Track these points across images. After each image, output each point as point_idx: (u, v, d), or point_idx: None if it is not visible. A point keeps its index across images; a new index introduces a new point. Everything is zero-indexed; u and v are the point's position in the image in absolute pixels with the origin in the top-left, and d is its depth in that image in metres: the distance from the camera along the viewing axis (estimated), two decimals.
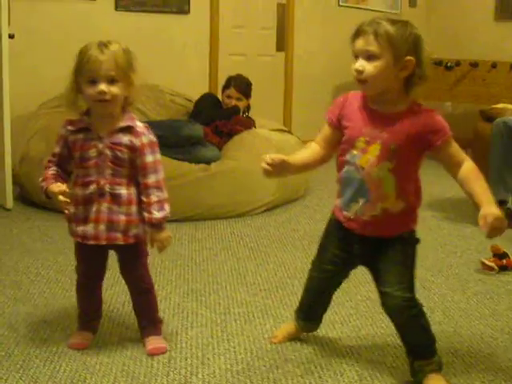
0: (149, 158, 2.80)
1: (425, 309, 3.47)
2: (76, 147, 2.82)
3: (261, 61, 8.16)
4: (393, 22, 2.48)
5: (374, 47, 2.46)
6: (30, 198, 5.41)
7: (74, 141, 2.82)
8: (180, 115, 6.45)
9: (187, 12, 7.36)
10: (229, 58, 7.82)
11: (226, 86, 6.27)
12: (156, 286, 3.10)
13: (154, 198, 2.79)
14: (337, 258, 2.84)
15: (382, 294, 2.75)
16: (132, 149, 2.79)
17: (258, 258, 4.31)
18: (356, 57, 2.53)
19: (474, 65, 7.28)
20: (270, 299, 3.61)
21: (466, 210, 5.56)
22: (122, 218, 2.82)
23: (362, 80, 2.52)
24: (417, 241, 2.79)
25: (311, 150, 2.79)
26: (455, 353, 3.04)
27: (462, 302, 3.66)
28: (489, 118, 5.57)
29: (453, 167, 2.61)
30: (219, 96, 6.44)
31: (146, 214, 2.80)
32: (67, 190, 2.77)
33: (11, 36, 5.24)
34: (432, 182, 6.73)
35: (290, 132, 6.59)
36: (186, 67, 7.37)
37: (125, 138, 2.79)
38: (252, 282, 3.88)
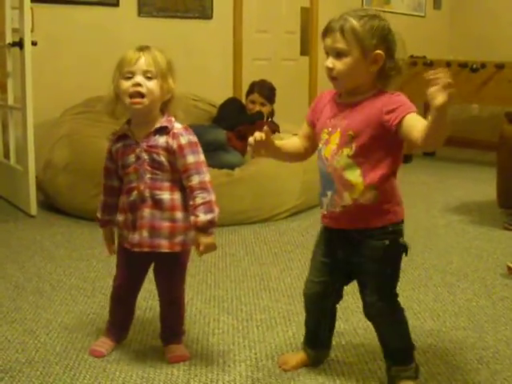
0: (190, 159, 2.72)
1: (450, 314, 3.44)
2: (118, 156, 2.82)
3: (285, 65, 8.14)
4: (360, 16, 2.44)
5: (341, 44, 2.43)
6: (54, 205, 5.42)
7: (116, 150, 2.83)
8: (203, 120, 6.43)
9: (210, 17, 7.36)
10: (252, 62, 7.80)
11: (250, 92, 6.26)
12: None
13: (199, 200, 2.70)
14: (323, 265, 2.77)
15: (364, 302, 2.70)
16: (169, 151, 2.73)
17: (282, 264, 4.29)
18: (327, 54, 2.50)
19: (500, 66, 7.21)
20: (292, 305, 3.58)
21: (492, 213, 5.51)
22: (166, 224, 2.76)
23: (333, 77, 2.50)
24: (401, 246, 2.64)
25: (295, 141, 2.80)
26: (480, 359, 2.98)
27: (488, 307, 3.60)
28: None
29: (416, 132, 2.36)
30: (243, 101, 6.42)
31: (192, 218, 2.71)
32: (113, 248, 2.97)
33: (34, 43, 5.25)
34: (456, 185, 6.71)
35: None
36: (210, 72, 7.36)
37: (161, 140, 2.75)
38: (275, 287, 3.85)
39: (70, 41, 6.42)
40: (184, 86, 6.88)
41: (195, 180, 2.72)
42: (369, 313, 2.70)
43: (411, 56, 8.03)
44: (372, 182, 2.50)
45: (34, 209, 5.30)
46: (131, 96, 2.70)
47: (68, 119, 5.74)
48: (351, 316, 3.42)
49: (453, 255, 4.47)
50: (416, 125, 2.36)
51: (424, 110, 8.33)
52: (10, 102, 5.69)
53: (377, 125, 2.45)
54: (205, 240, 2.72)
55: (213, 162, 5.32)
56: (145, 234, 2.78)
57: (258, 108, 6.15)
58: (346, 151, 2.49)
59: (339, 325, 3.31)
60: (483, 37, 8.66)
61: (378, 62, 2.45)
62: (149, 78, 2.72)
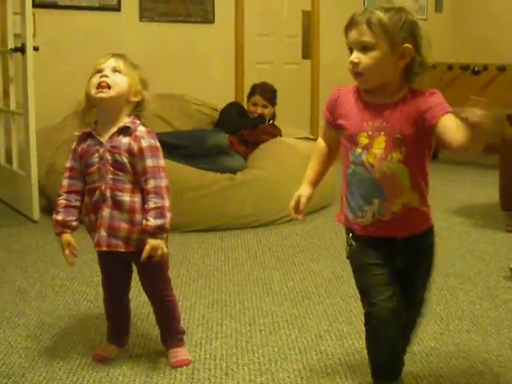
0: (148, 163, 2.74)
1: (453, 317, 3.44)
2: (82, 155, 2.83)
3: (287, 69, 8.15)
4: (386, 9, 2.32)
5: (368, 37, 2.31)
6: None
7: (80, 150, 2.84)
8: (205, 124, 6.44)
9: (212, 21, 7.37)
10: (254, 66, 7.81)
11: (252, 94, 6.26)
12: (181, 297, 3.08)
13: (151, 205, 2.72)
14: (386, 277, 2.49)
15: (412, 300, 2.59)
16: (130, 152, 2.75)
17: (284, 268, 4.29)
18: (350, 49, 2.39)
19: (502, 69, 7.21)
20: (295, 309, 3.58)
21: (495, 216, 5.50)
22: (124, 225, 2.78)
23: (358, 73, 2.36)
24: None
25: (320, 155, 2.70)
26: (484, 362, 2.98)
27: (491, 309, 3.60)
28: None
29: (450, 133, 2.25)
30: (244, 105, 6.43)
31: (143, 221, 2.74)
32: (73, 243, 2.85)
33: (36, 48, 5.26)
34: (459, 187, 6.71)
35: (316, 140, 6.55)
36: (212, 76, 7.37)
37: (124, 141, 2.76)
38: (278, 291, 3.85)
39: (72, 46, 6.44)
40: (186, 90, 6.94)
41: (151, 184, 2.74)
42: (415, 307, 2.64)
43: None
44: (417, 185, 2.45)
45: (36, 214, 5.30)
46: (97, 87, 2.76)
47: (70, 124, 5.72)
48: (354, 319, 3.41)
49: (456, 258, 4.47)
50: (451, 127, 2.24)
51: None
52: (13, 107, 5.71)
53: (419, 125, 2.34)
54: (152, 242, 2.72)
55: (215, 166, 5.35)
56: (103, 233, 2.80)
57: (260, 110, 6.15)
58: (396, 156, 2.38)
59: (342, 328, 3.31)
60: (485, 39, 8.66)
61: (405, 57, 2.32)
62: (116, 72, 2.79)
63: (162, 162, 2.79)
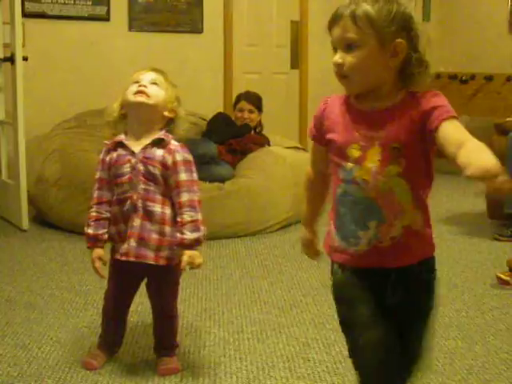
0: (182, 177, 2.76)
1: (439, 324, 3.46)
2: (111, 164, 2.84)
3: (275, 78, 8.17)
4: (374, 0, 1.98)
5: (352, 34, 1.96)
6: (46, 219, 5.44)
7: (110, 159, 2.85)
8: (194, 134, 6.45)
9: (201, 31, 7.40)
10: (243, 76, 7.83)
11: (237, 102, 6.29)
12: None
13: (186, 218, 2.74)
14: (373, 315, 2.12)
15: (405, 349, 2.14)
16: (164, 165, 2.77)
17: (272, 277, 4.30)
18: (335, 49, 2.03)
19: (489, 78, 7.27)
20: (283, 317, 3.60)
21: (481, 224, 5.54)
22: (154, 236, 2.79)
23: (343, 75, 2.02)
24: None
25: (311, 190, 2.33)
26: (470, 369, 3.01)
27: (478, 317, 3.63)
28: (504, 130, 5.55)
29: (451, 147, 1.88)
30: (231, 115, 6.45)
31: (178, 235, 2.75)
32: (104, 258, 2.87)
33: (25, 58, 5.28)
34: (447, 196, 6.73)
35: (305, 150, 6.58)
36: (201, 86, 7.39)
37: (158, 154, 2.78)
38: (266, 300, 3.87)
39: (61, 56, 6.45)
40: None
41: (185, 197, 2.75)
42: (408, 357, 2.16)
43: None
44: (420, 202, 2.07)
45: (25, 223, 5.31)
46: (136, 93, 2.78)
47: (59, 133, 5.76)
48: None
49: (443, 266, 4.48)
50: (453, 137, 1.90)
51: None
52: (1, 116, 5.71)
53: (420, 131, 1.97)
54: (190, 252, 2.74)
55: (204, 175, 5.35)
56: (133, 243, 2.80)
57: (246, 115, 6.15)
58: (394, 169, 2.00)
59: (329, 335, 3.33)
60: (473, 48, 8.70)
61: (399, 54, 1.97)
62: (154, 84, 2.81)
63: (195, 176, 2.81)
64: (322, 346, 3.24)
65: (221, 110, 7.11)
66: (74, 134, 5.70)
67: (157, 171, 2.77)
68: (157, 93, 2.80)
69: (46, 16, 6.38)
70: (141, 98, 2.77)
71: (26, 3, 6.12)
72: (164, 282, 2.92)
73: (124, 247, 2.81)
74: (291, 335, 3.35)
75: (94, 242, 2.87)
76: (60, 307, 3.71)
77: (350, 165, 2.04)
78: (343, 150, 2.06)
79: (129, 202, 2.80)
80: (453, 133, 1.91)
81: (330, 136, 2.11)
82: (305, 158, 5.97)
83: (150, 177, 2.78)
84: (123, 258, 2.82)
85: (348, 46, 1.98)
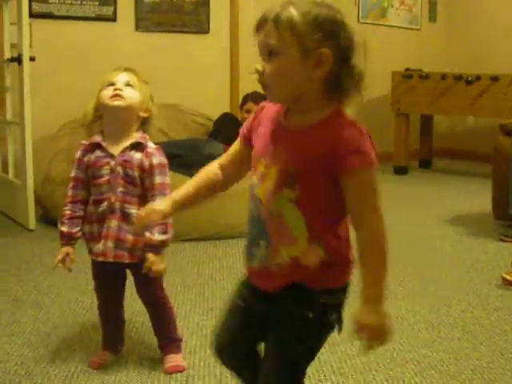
0: (157, 180, 2.81)
1: (444, 325, 3.47)
2: (89, 165, 2.86)
3: None
4: (304, 3, 1.78)
5: (273, 40, 1.77)
6: (53, 219, 5.44)
7: (87, 160, 2.87)
8: (200, 134, 6.48)
9: (207, 31, 7.40)
10: (250, 76, 7.83)
11: (244, 103, 6.29)
12: (176, 305, 3.12)
13: None
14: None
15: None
16: (142, 168, 2.81)
17: None
18: (261, 55, 1.84)
19: (495, 79, 7.25)
20: None
21: (487, 224, 5.54)
22: (130, 237, 2.84)
23: (263, 84, 1.85)
24: (329, 325, 2.04)
25: (205, 172, 2.13)
26: (475, 369, 3.02)
27: (483, 317, 3.63)
28: (509, 131, 5.55)
29: (353, 218, 1.82)
30: (238, 116, 6.46)
31: (147, 234, 2.78)
32: (71, 256, 2.91)
33: (32, 58, 5.29)
34: (452, 196, 6.74)
35: None
36: (207, 86, 7.40)
37: (136, 157, 2.82)
38: None
39: (68, 56, 6.46)
40: (181, 100, 6.98)
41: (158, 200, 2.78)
42: None
43: (407, 69, 8.09)
44: (320, 237, 1.85)
45: (32, 223, 5.33)
46: (112, 96, 2.81)
47: (66, 133, 5.77)
48: (347, 326, 3.44)
49: (448, 266, 4.50)
50: (354, 208, 1.81)
51: (421, 122, 8.40)
52: (9, 116, 5.74)
53: (325, 163, 1.78)
54: (152, 258, 2.78)
55: None
56: (110, 244, 2.85)
57: None
58: (287, 194, 1.83)
59: (334, 336, 3.34)
60: (478, 49, 8.72)
61: (323, 65, 1.77)
62: (129, 86, 2.85)
63: (168, 179, 2.85)
64: (326, 345, 3.21)
65: (227, 110, 7.12)
66: (81, 134, 5.70)
67: (135, 174, 2.82)
68: (132, 95, 2.83)
69: (52, 16, 6.39)
70: (118, 102, 2.80)
71: (33, 4, 6.12)
72: (144, 275, 2.91)
73: (100, 248, 2.87)
74: None
75: (68, 239, 2.90)
76: (67, 307, 3.73)
77: (255, 180, 1.92)
78: (255, 162, 1.94)
79: (106, 203, 2.83)
80: (355, 199, 1.80)
81: (254, 140, 1.99)
82: None
83: (128, 179, 2.82)
84: (100, 259, 2.89)
85: (269, 53, 1.80)
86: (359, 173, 1.76)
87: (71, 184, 2.91)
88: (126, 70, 2.92)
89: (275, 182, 1.84)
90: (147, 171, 2.81)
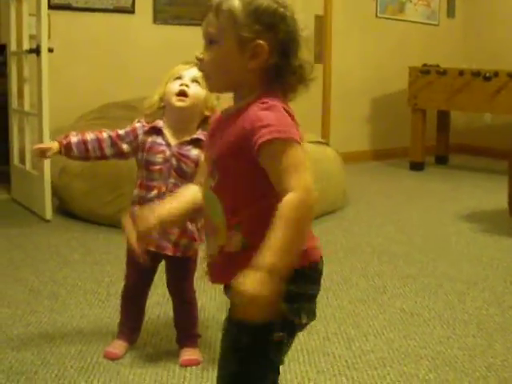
0: None
1: (459, 321, 3.47)
2: (144, 148, 2.87)
3: None
4: None
5: (213, 28, 1.80)
6: (69, 210, 5.48)
7: (143, 141, 2.87)
8: None
9: None
10: None
11: None
12: None
13: None
14: None
15: None
16: (197, 164, 2.81)
17: None
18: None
19: None
20: None
21: (503, 222, 5.52)
22: (176, 230, 2.83)
23: (202, 72, 1.91)
24: (266, 341, 1.82)
25: (191, 195, 2.04)
26: (489, 367, 3.02)
27: (497, 315, 3.63)
28: None
29: (278, 192, 1.67)
30: None
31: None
32: (51, 150, 2.85)
33: (51, 50, 5.31)
34: (468, 193, 6.72)
35: (327, 144, 6.58)
36: None
37: (193, 152, 2.83)
38: None
39: (86, 47, 6.49)
40: None
41: None
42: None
43: (424, 64, 8.07)
44: (238, 223, 1.79)
45: (49, 213, 5.35)
46: (177, 94, 2.79)
47: (83, 125, 5.79)
48: (362, 322, 3.46)
49: (463, 263, 4.49)
50: (277, 174, 1.68)
51: (438, 118, 8.37)
52: (27, 107, 5.76)
53: (237, 147, 1.75)
54: None
55: None
56: (155, 234, 2.82)
57: None
58: (209, 182, 1.84)
59: (349, 331, 3.35)
60: (496, 45, 8.68)
61: (258, 57, 1.75)
62: (196, 83, 2.82)
63: None
64: (342, 340, 3.26)
65: None
66: (98, 125, 5.71)
67: (189, 169, 2.82)
68: (198, 92, 2.81)
69: (71, 8, 6.41)
70: (181, 104, 2.79)
71: None
72: (181, 269, 2.97)
73: None
74: (312, 329, 3.36)
75: (65, 148, 2.87)
76: (83, 297, 3.75)
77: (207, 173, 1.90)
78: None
79: (156, 191, 2.84)
80: (271, 173, 1.70)
81: None
82: (327, 153, 6.03)
83: (181, 173, 2.82)
84: (143, 246, 2.86)
85: (210, 41, 1.82)
86: (269, 145, 1.67)
87: (112, 134, 2.90)
88: (196, 64, 2.90)
89: (206, 173, 1.87)
90: None
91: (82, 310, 3.57)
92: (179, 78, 2.84)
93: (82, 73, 6.43)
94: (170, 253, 2.87)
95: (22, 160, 5.93)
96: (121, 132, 2.90)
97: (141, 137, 2.89)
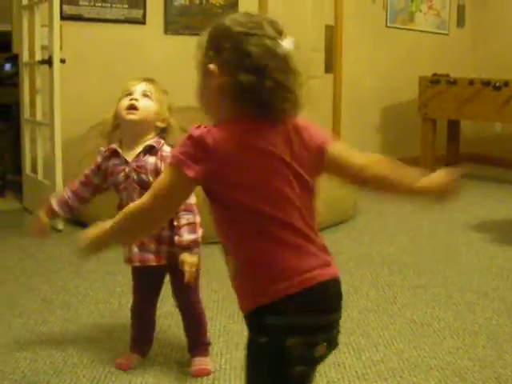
0: None
1: (469, 332, 3.47)
2: (108, 173, 2.94)
3: (309, 82, 8.19)
4: (226, 20, 1.83)
5: (196, 57, 1.85)
6: (81, 220, 5.49)
7: (105, 167, 2.95)
8: None
9: None
10: None
11: None
12: None
13: (183, 221, 2.82)
14: None
15: None
16: (157, 172, 2.84)
17: None
18: None
19: None
20: None
21: None
22: (152, 240, 2.88)
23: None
24: (255, 346, 1.86)
25: None
26: (499, 378, 3.02)
27: (508, 325, 3.63)
28: None
29: None
30: None
31: (176, 238, 2.83)
32: (43, 225, 2.98)
33: (63, 61, 5.35)
34: (478, 203, 6.71)
35: None
36: None
37: (150, 161, 2.87)
38: None
39: (98, 58, 6.53)
40: None
41: None
42: None
43: (434, 74, 8.08)
44: (228, 247, 1.88)
45: (61, 223, 5.38)
46: (127, 108, 2.85)
47: (95, 135, 5.82)
48: (372, 332, 3.47)
49: (473, 273, 4.50)
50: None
51: (448, 127, 8.38)
52: (39, 117, 5.80)
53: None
54: (189, 259, 2.82)
55: None
56: (135, 249, 2.91)
57: None
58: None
59: (359, 341, 3.36)
60: (506, 55, 8.68)
61: (212, 79, 1.77)
62: (146, 97, 2.88)
63: None
64: (352, 351, 3.27)
65: None
66: (109, 143, 5.76)
67: (150, 178, 2.85)
68: (148, 106, 2.87)
69: (82, 19, 6.46)
70: (132, 116, 2.85)
71: (64, 6, 6.19)
72: (179, 278, 2.94)
73: (127, 254, 2.95)
74: None
75: (50, 213, 3.00)
76: (95, 307, 3.78)
77: None
78: None
79: None
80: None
81: None
82: None
83: (143, 184, 2.85)
84: (129, 264, 2.97)
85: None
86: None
87: (82, 179, 3.00)
88: (145, 80, 2.96)
89: None
90: None
91: (94, 320, 3.60)
92: (129, 94, 2.89)
93: (93, 83, 6.48)
94: (153, 263, 2.92)
95: (34, 169, 5.97)
96: (87, 172, 3.01)
97: (103, 164, 2.95)
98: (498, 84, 7.37)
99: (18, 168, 6.34)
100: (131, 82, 2.95)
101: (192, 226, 2.83)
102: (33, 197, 5.97)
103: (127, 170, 2.88)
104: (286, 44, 1.84)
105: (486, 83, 7.46)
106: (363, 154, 1.85)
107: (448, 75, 8.04)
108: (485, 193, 7.32)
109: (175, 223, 2.84)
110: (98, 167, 2.98)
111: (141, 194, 2.79)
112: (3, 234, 5.31)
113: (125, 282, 4.07)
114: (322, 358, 1.86)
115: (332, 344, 1.88)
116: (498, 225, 5.92)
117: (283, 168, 1.77)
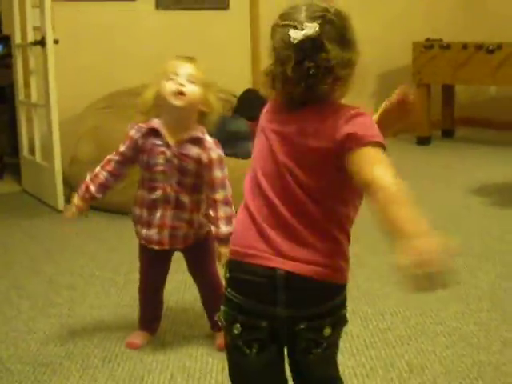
0: (217, 174, 2.84)
1: (473, 296, 3.50)
2: (144, 150, 2.90)
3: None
4: None
5: None
6: None
7: (142, 144, 2.90)
8: (224, 111, 6.50)
9: (227, 7, 7.41)
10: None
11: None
12: None
13: (221, 214, 2.83)
14: None
15: None
16: (199, 162, 2.84)
17: None
18: None
19: None
20: None
21: None
22: (184, 224, 2.90)
23: None
24: None
25: None
26: (505, 341, 3.06)
27: (510, 288, 3.66)
28: None
29: None
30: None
31: (213, 228, 2.84)
32: (81, 209, 2.98)
33: (56, 41, 5.33)
34: (476, 166, 6.71)
35: None
36: (229, 63, 7.40)
37: (193, 151, 2.85)
38: None
39: (90, 37, 6.50)
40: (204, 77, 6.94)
41: (220, 194, 2.84)
42: None
43: (427, 39, 8.05)
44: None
45: (61, 204, 5.38)
46: (174, 94, 2.80)
47: (91, 114, 5.83)
48: (377, 301, 3.50)
49: (474, 237, 4.51)
50: None
51: (442, 92, 8.38)
52: (34, 99, 5.79)
53: None
54: (225, 250, 2.78)
55: (237, 152, 5.40)
56: (165, 233, 2.91)
57: None
58: None
59: (366, 310, 3.39)
60: (499, 17, 8.65)
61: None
62: (191, 82, 2.82)
63: (226, 171, 2.89)
64: (359, 319, 3.30)
65: (249, 86, 7.13)
66: (106, 114, 5.76)
67: (191, 167, 2.85)
68: (194, 91, 2.82)
69: None
70: (179, 102, 2.80)
71: None
72: (203, 254, 3.01)
73: (155, 237, 2.93)
74: None
75: (89, 197, 2.99)
76: (100, 287, 3.80)
77: None
78: None
79: (160, 192, 2.88)
80: None
81: None
82: None
83: (184, 171, 2.86)
84: (157, 247, 2.95)
85: None
86: None
87: (117, 157, 2.96)
88: (189, 60, 2.90)
89: None
90: (205, 165, 2.84)
91: (101, 300, 3.62)
92: (174, 75, 2.83)
93: (86, 62, 6.45)
94: (181, 246, 2.96)
95: (32, 151, 5.96)
96: (122, 149, 2.96)
97: (140, 140, 2.91)
98: (491, 47, 7.35)
99: (15, 150, 6.33)
100: (174, 61, 2.88)
101: (230, 218, 2.83)
102: (31, 179, 5.97)
103: (168, 154, 2.85)
104: (294, 33, 1.79)
105: (479, 47, 7.44)
106: (379, 170, 1.77)
107: (441, 40, 8.02)
108: (482, 155, 7.32)
109: (212, 214, 2.85)
110: (135, 143, 2.93)
111: (179, 180, 2.85)
112: (4, 216, 5.31)
113: (129, 260, 4.08)
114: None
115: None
116: (497, 188, 5.92)
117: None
